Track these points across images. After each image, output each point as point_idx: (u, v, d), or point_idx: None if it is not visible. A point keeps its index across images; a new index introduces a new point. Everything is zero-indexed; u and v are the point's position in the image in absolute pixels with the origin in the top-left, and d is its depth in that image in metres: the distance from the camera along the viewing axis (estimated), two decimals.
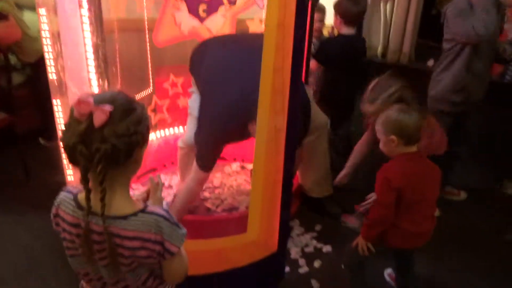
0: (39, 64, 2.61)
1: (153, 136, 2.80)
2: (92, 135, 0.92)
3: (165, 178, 2.73)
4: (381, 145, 1.75)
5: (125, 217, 1.00)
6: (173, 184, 2.68)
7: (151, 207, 1.05)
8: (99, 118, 0.92)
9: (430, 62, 3.68)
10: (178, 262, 1.08)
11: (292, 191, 1.86)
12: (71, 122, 0.95)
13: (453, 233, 2.51)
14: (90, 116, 0.92)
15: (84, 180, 0.95)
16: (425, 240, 1.79)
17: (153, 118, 2.76)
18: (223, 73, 1.96)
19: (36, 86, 3.05)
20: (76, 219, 1.01)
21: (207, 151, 2.03)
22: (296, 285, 2.10)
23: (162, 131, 2.84)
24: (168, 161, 2.83)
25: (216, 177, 2.79)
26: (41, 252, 2.25)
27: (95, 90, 1.66)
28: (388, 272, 2.16)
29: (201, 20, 2.60)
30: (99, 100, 0.95)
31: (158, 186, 1.27)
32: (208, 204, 2.54)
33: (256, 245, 1.76)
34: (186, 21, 2.56)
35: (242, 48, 2.05)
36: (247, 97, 1.73)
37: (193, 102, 2.25)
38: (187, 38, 2.58)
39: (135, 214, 1.01)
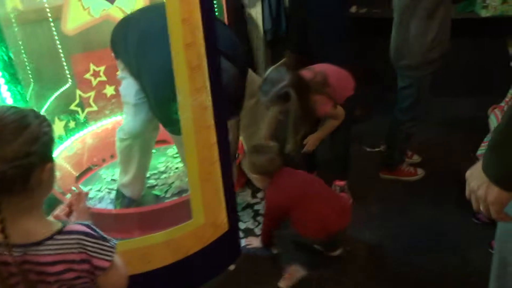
0: None
1: (85, 132, 2.65)
2: None
3: (107, 174, 2.61)
4: (255, 183, 1.99)
5: (39, 243, 0.90)
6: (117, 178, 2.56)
7: (70, 225, 0.96)
8: None
9: (353, 8, 3.43)
10: (113, 275, 0.99)
11: (231, 166, 1.81)
12: None
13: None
14: None
15: None
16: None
17: (81, 114, 2.60)
18: (154, 40, 1.81)
19: None
20: None
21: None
22: (256, 255, 2.08)
23: (95, 124, 2.69)
24: (107, 155, 2.68)
25: (160, 162, 2.69)
26: None
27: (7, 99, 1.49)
28: None
29: (111, 0, 2.41)
30: None
31: (80, 196, 1.18)
32: (156, 192, 2.46)
33: (204, 229, 1.71)
34: (95, 4, 2.36)
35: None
36: None
37: (125, 89, 2.10)
38: (100, 21, 2.39)
39: (50, 237, 0.92)
